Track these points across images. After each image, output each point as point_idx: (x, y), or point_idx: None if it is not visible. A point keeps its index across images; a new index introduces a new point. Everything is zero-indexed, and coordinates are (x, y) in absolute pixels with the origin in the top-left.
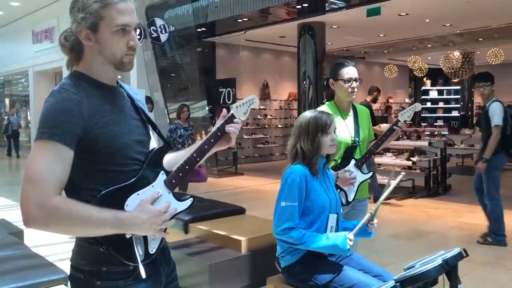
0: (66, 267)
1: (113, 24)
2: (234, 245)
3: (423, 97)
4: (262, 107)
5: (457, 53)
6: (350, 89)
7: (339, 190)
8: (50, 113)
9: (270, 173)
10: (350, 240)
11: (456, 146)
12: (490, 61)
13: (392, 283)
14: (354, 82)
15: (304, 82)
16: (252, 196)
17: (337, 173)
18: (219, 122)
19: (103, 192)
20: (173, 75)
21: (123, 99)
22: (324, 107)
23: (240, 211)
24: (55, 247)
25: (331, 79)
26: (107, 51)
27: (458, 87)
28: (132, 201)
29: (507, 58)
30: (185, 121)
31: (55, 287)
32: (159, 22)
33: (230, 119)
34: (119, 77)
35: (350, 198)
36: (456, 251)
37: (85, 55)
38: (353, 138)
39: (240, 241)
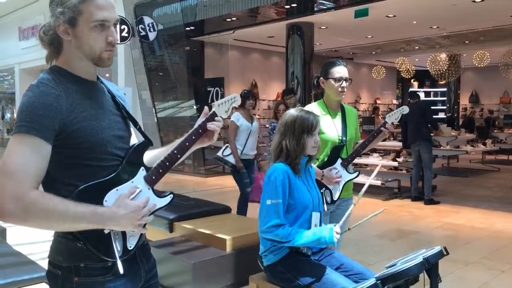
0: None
1: (92, 19)
2: (218, 243)
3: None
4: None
5: (443, 55)
6: (340, 88)
7: (324, 188)
8: (28, 107)
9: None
10: (337, 232)
11: (441, 148)
12: (476, 64)
13: (373, 281)
14: (344, 81)
15: (293, 83)
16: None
17: (323, 172)
18: (200, 120)
19: (82, 187)
20: (161, 73)
21: (103, 94)
22: (314, 105)
23: (225, 210)
24: (38, 246)
25: (321, 77)
26: (85, 46)
27: (445, 89)
28: (111, 197)
29: (492, 61)
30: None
31: (36, 285)
32: (147, 20)
33: (212, 117)
34: (107, 75)
35: (335, 197)
36: (436, 249)
37: (64, 50)
38: (340, 138)
39: (225, 240)
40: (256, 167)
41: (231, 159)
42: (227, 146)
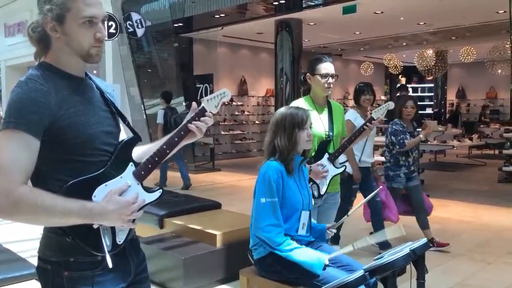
0: None
1: (80, 16)
2: (209, 239)
3: (398, 94)
4: (239, 103)
5: (430, 51)
6: (326, 84)
7: (311, 183)
8: (16, 103)
9: (247, 169)
10: (326, 265)
11: (429, 142)
12: (463, 59)
13: (361, 272)
14: (330, 77)
15: (282, 79)
16: (229, 191)
17: (310, 166)
18: (189, 115)
19: (70, 182)
20: (149, 70)
21: (91, 90)
22: (301, 101)
23: (216, 206)
24: (28, 243)
25: (308, 73)
26: (74, 43)
27: (432, 85)
28: (100, 192)
29: (478, 57)
30: (409, 123)
31: (26, 282)
32: (135, 16)
33: (201, 112)
34: (95, 72)
35: (322, 191)
36: (423, 241)
37: (53, 46)
38: (327, 133)
39: (215, 235)
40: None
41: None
42: None
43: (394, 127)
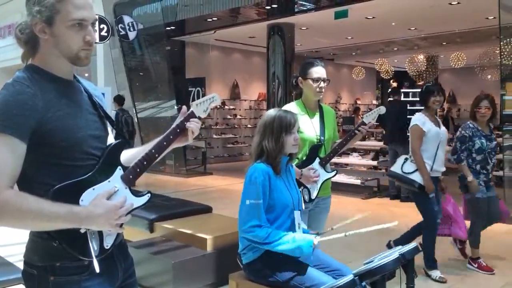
0: None
1: (69, 19)
2: (199, 243)
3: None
4: (231, 107)
5: (421, 57)
6: (318, 89)
7: (302, 187)
8: (3, 106)
9: (239, 173)
10: (314, 245)
11: None
12: (453, 65)
13: (351, 277)
14: (322, 82)
15: (274, 83)
16: (221, 195)
17: (301, 171)
18: (178, 119)
19: (57, 186)
20: (141, 73)
21: (80, 93)
22: (292, 105)
23: (206, 210)
24: (15, 247)
25: (300, 77)
26: (62, 45)
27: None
28: (88, 196)
29: (469, 62)
30: (485, 125)
31: (13, 286)
32: (127, 19)
33: (190, 116)
34: (86, 75)
35: (313, 195)
36: (412, 245)
37: (41, 49)
38: (318, 137)
39: (206, 240)
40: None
41: (416, 177)
42: (406, 160)
43: (463, 132)
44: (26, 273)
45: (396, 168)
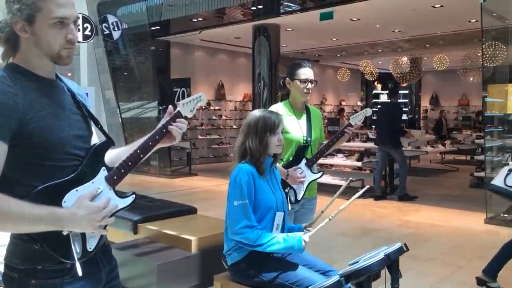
0: None
1: (51, 17)
2: (184, 245)
3: (374, 100)
4: (217, 107)
5: (405, 59)
6: (305, 90)
7: (289, 188)
8: None
9: (224, 173)
10: (305, 241)
11: (403, 148)
12: (436, 67)
13: (336, 277)
14: (309, 83)
15: (259, 84)
16: (206, 196)
17: (288, 171)
18: (164, 119)
19: (39, 187)
20: (125, 73)
21: (62, 93)
22: (279, 106)
23: (191, 211)
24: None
25: (287, 78)
26: (43, 44)
27: (406, 91)
28: (70, 198)
29: (451, 64)
30: None
31: None
32: (111, 19)
33: (176, 116)
34: (69, 74)
35: (299, 196)
36: (397, 245)
37: (21, 47)
38: (305, 138)
39: (190, 241)
40: None
41: None
42: (510, 172)
43: None
44: (7, 276)
45: (498, 181)
